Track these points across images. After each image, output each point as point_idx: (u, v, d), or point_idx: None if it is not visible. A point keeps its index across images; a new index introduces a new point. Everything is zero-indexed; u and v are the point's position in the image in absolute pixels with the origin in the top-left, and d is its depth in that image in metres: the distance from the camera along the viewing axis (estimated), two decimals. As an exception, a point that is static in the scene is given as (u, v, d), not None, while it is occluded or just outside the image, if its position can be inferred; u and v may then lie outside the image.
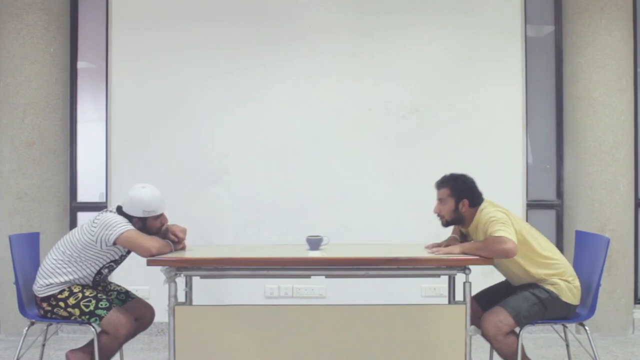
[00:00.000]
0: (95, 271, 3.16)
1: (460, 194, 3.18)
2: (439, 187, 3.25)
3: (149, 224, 3.16)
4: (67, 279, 3.09)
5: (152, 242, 3.02)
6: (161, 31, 4.83)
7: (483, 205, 3.17)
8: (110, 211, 3.18)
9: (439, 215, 3.23)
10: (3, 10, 4.60)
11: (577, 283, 3.09)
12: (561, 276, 3.07)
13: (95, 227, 3.07)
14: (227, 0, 4.85)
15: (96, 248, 3.07)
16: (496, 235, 2.93)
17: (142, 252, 3.01)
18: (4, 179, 4.60)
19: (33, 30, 4.58)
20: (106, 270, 3.22)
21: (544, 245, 3.13)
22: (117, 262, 3.24)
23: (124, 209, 3.16)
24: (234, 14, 4.85)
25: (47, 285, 3.08)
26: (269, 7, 4.86)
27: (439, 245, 3.23)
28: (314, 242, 3.26)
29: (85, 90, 5.01)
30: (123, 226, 3.04)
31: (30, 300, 3.20)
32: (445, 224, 3.24)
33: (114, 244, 3.06)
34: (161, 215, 3.21)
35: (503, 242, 2.89)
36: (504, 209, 3.14)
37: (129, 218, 3.14)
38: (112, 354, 3.15)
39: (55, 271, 3.09)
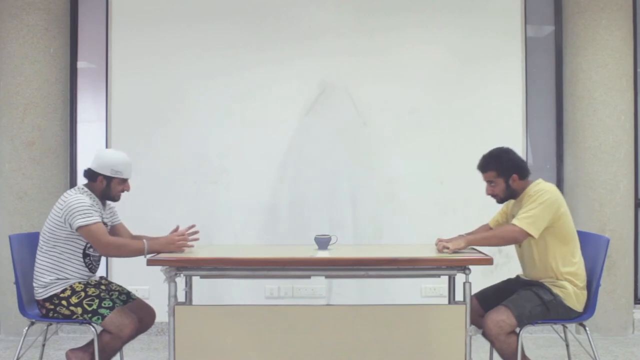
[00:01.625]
0: (80, 252, 3.13)
1: (507, 172, 3.15)
2: (484, 169, 3.20)
3: (113, 186, 3.19)
4: (60, 273, 3.09)
5: (111, 240, 3.07)
6: (161, 31, 4.83)
7: (538, 180, 3.17)
8: (79, 189, 3.16)
9: (492, 195, 3.21)
10: (3, 10, 4.60)
11: (585, 292, 3.10)
12: (573, 277, 3.06)
13: (61, 207, 3.07)
14: (227, 0, 4.85)
15: (67, 229, 3.07)
16: (513, 222, 3.00)
17: (100, 249, 3.07)
18: (4, 179, 4.60)
19: (33, 30, 4.58)
20: (91, 250, 3.18)
21: (576, 242, 3.13)
22: None
23: (92, 166, 3.17)
24: (234, 14, 4.85)
25: (45, 286, 3.08)
26: (269, 7, 4.86)
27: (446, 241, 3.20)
28: (323, 242, 3.27)
29: (85, 90, 5.01)
30: (87, 217, 3.03)
31: (30, 300, 3.20)
32: (500, 201, 3.23)
33: (75, 230, 3.06)
34: (126, 182, 3.23)
35: (513, 228, 2.99)
36: (557, 194, 3.08)
37: (94, 177, 3.16)
38: (114, 353, 3.14)
39: (45, 268, 3.09)
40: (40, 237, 3.15)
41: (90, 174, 3.19)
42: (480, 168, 3.22)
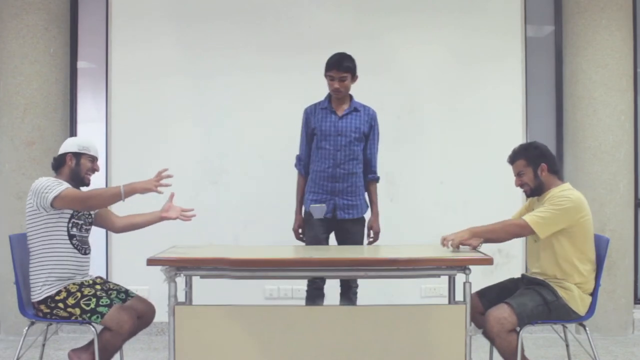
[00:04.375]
0: (64, 235, 3.14)
1: (536, 161, 3.17)
2: (513, 160, 3.24)
3: (82, 163, 3.21)
4: (52, 262, 3.10)
5: (88, 193, 3.12)
6: (161, 31, 4.83)
7: (568, 186, 3.18)
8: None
9: (521, 185, 3.23)
10: (3, 10, 4.60)
11: (590, 297, 3.10)
12: (583, 282, 3.07)
13: (30, 197, 3.10)
14: (227, 0, 4.85)
15: (42, 213, 3.09)
16: (524, 217, 3.03)
17: (81, 206, 3.11)
18: (4, 179, 4.61)
19: (33, 30, 4.58)
20: (75, 230, 3.19)
21: (593, 249, 3.14)
22: (77, 215, 3.21)
23: (60, 151, 3.23)
24: (234, 14, 4.84)
25: (41, 284, 3.09)
26: (269, 7, 4.86)
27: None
28: (319, 210, 3.52)
29: (85, 90, 5.01)
30: (55, 188, 3.05)
31: (29, 302, 3.20)
32: (530, 192, 3.22)
33: (52, 207, 3.06)
34: (95, 161, 3.26)
35: (519, 222, 3.04)
36: (579, 203, 3.09)
37: (62, 160, 3.20)
38: (116, 350, 3.15)
39: (38, 264, 3.10)
40: (27, 240, 3.16)
41: (57, 159, 3.24)
42: (509, 159, 3.26)
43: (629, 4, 4.73)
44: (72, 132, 4.92)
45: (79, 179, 3.24)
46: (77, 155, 3.22)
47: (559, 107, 4.99)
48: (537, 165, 3.17)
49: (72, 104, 4.94)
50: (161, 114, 4.83)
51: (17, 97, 4.58)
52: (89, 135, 3.35)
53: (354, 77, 3.82)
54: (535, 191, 3.21)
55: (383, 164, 4.78)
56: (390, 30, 4.87)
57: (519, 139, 4.84)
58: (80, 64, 5.00)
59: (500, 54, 4.88)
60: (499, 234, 3.16)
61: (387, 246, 3.62)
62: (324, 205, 3.65)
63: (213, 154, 4.84)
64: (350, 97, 3.88)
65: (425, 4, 4.88)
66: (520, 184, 3.23)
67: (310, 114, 3.87)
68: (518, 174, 3.22)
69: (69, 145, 3.25)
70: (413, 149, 4.86)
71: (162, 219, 3.35)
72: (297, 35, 4.84)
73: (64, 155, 3.23)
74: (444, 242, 3.09)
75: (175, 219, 3.32)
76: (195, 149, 4.84)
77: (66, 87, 4.83)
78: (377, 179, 3.95)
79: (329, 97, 3.87)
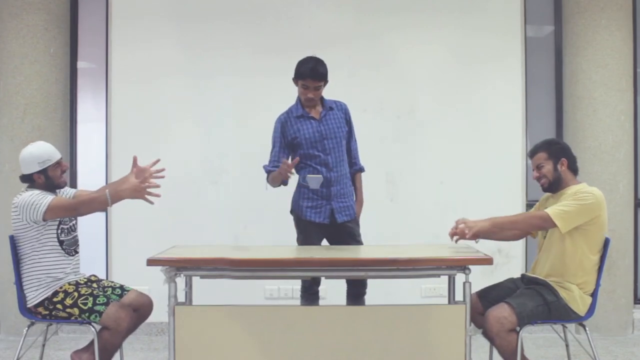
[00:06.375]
0: (55, 242, 3.14)
1: (557, 155, 3.19)
2: (534, 153, 3.25)
3: (51, 174, 3.17)
4: (46, 268, 3.10)
5: (77, 201, 3.11)
6: (161, 31, 4.83)
7: (583, 184, 3.18)
8: (24, 191, 3.17)
9: (539, 178, 3.21)
10: (3, 10, 4.61)
11: (590, 298, 3.10)
12: (585, 283, 3.08)
13: (17, 213, 3.08)
14: (227, 0, 4.85)
15: (33, 227, 3.08)
16: (545, 210, 3.03)
17: (73, 213, 3.11)
18: (4, 179, 4.61)
19: (33, 30, 4.58)
20: (63, 235, 3.19)
21: (601, 251, 3.14)
22: (65, 221, 3.21)
23: (22, 171, 3.18)
24: (234, 14, 4.84)
25: (34, 290, 3.09)
26: (269, 7, 4.86)
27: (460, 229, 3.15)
28: (316, 180, 3.50)
29: (85, 91, 5.01)
30: (42, 202, 3.03)
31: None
32: (548, 185, 3.21)
33: (44, 220, 3.06)
34: (59, 163, 3.22)
35: (541, 214, 3.04)
36: (600, 200, 3.07)
37: (30, 178, 3.16)
38: (116, 348, 3.16)
39: (31, 270, 3.10)
40: (18, 249, 3.15)
41: (25, 178, 3.20)
42: (530, 153, 3.29)
43: (629, 4, 4.73)
44: (72, 132, 4.93)
45: (54, 187, 3.22)
46: (43, 171, 3.16)
47: (559, 107, 4.99)
48: (557, 159, 3.18)
49: (72, 104, 4.95)
50: (161, 114, 4.83)
51: (17, 97, 4.58)
52: (38, 144, 3.20)
53: (326, 82, 3.71)
54: (552, 185, 3.20)
55: (383, 164, 4.81)
56: (390, 30, 4.86)
57: (519, 139, 4.85)
58: (80, 64, 5.00)
59: (500, 54, 4.88)
60: (520, 225, 3.20)
61: (387, 246, 3.62)
62: (320, 176, 3.57)
63: (213, 154, 4.84)
64: (321, 97, 3.78)
65: (425, 4, 4.88)
66: (538, 177, 3.22)
67: (285, 123, 3.77)
68: (537, 167, 3.22)
69: (29, 164, 3.15)
70: (413, 149, 4.85)
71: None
72: (297, 36, 4.84)
73: (31, 175, 3.17)
74: (459, 227, 3.06)
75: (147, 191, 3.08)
76: (195, 149, 4.84)
77: (66, 87, 4.83)
78: (362, 170, 3.96)
79: (300, 102, 3.77)
